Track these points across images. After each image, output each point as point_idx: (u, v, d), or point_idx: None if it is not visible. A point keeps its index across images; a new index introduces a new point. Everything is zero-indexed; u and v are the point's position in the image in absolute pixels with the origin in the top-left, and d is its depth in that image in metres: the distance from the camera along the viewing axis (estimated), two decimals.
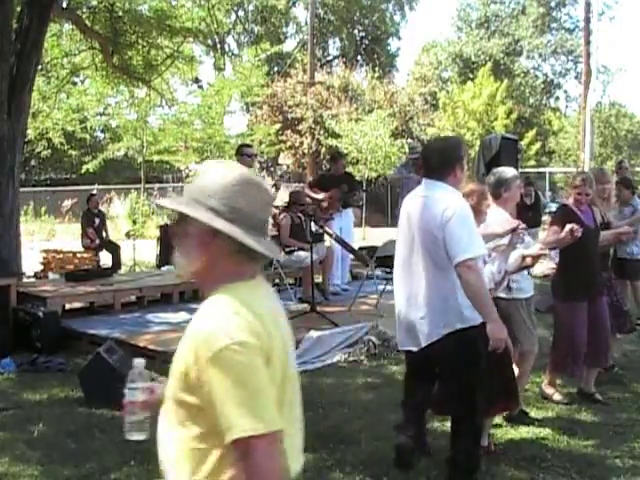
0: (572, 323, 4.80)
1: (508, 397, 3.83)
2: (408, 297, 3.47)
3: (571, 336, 4.81)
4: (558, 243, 4.56)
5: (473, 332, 3.28)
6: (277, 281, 8.52)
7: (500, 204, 4.18)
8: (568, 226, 4.40)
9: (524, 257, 3.95)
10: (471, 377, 3.35)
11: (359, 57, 35.34)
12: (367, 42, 35.98)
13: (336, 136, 20.36)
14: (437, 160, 3.39)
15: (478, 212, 3.76)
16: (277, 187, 7.47)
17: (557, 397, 4.98)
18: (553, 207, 13.04)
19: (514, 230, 3.68)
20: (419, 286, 3.38)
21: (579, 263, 4.73)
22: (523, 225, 3.70)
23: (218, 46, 30.67)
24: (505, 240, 3.79)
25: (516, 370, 4.21)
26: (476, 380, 3.34)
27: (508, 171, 4.31)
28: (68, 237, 16.44)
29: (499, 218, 4.06)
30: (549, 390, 5.03)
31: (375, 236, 14.66)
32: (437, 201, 3.31)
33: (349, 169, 12.82)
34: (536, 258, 4.01)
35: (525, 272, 4.21)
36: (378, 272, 8.98)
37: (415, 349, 3.47)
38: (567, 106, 36.22)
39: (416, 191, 3.59)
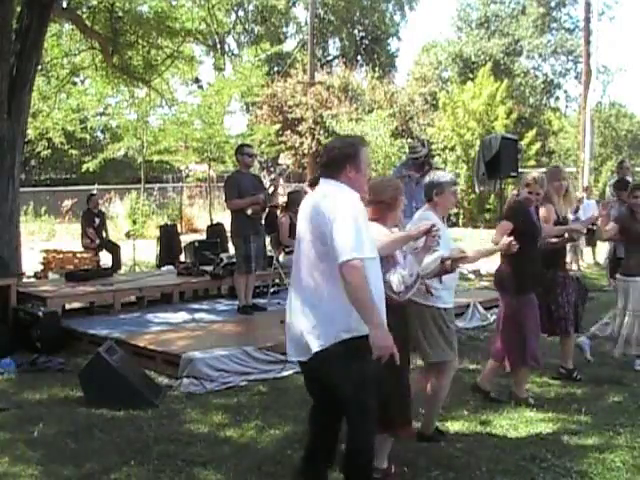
0: (525, 316, 4.80)
1: (402, 415, 3.57)
2: (294, 303, 3.20)
3: (525, 328, 4.79)
4: (498, 249, 4.54)
5: (359, 343, 2.99)
6: (277, 281, 8.52)
7: (431, 207, 4.19)
8: (507, 239, 4.40)
9: (443, 260, 3.79)
10: (357, 394, 3.06)
11: (359, 57, 35.37)
12: (367, 42, 36.00)
13: (336, 136, 20.36)
14: (327, 158, 3.22)
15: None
16: (275, 186, 7.45)
17: (530, 400, 4.91)
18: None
19: (428, 232, 3.48)
20: (305, 291, 3.14)
21: (529, 258, 4.75)
22: (437, 227, 3.53)
23: (218, 46, 30.67)
24: (420, 242, 3.61)
25: (430, 385, 4.14)
26: (364, 397, 3.07)
27: (444, 176, 4.30)
28: (68, 237, 16.45)
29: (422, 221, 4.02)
30: (521, 394, 4.94)
31: None
32: (325, 199, 3.10)
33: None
34: (456, 261, 3.84)
35: (447, 282, 4.02)
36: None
37: (304, 359, 3.18)
38: (567, 106, 36.24)
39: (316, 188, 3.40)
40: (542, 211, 5.29)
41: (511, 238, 4.40)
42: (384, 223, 3.58)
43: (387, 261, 3.46)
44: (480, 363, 5.84)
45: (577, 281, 5.93)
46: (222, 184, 10.09)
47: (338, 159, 3.16)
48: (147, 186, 18.72)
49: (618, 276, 6.14)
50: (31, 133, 12.40)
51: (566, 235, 5.38)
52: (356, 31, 36.18)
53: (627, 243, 6.10)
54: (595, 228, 8.76)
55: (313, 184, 8.58)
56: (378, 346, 2.89)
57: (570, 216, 5.86)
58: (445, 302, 4.12)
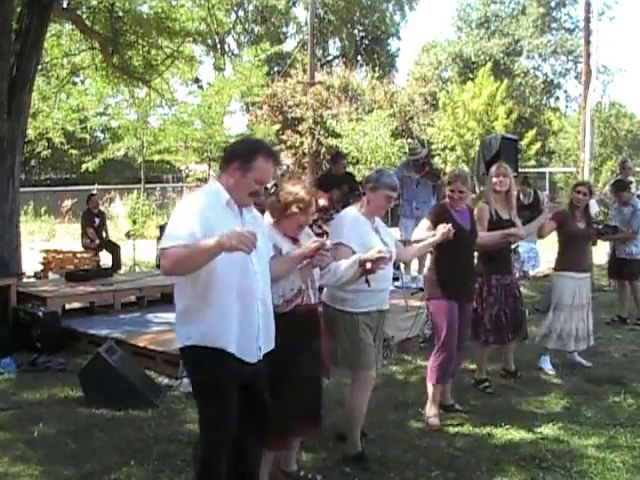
0: (445, 321, 4.49)
1: (303, 422, 3.40)
2: None
3: (444, 335, 4.48)
4: (425, 248, 4.39)
5: (196, 352, 2.83)
6: None
7: (361, 205, 4.00)
8: (441, 226, 4.22)
9: (362, 262, 3.57)
10: (197, 400, 2.94)
11: (359, 57, 35.34)
12: (367, 42, 35.98)
13: (336, 136, 20.36)
14: (224, 156, 3.03)
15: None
16: (277, 187, 7.43)
17: (457, 406, 4.70)
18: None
19: (318, 249, 3.18)
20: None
21: (452, 264, 4.48)
22: (329, 245, 3.25)
23: (218, 46, 30.70)
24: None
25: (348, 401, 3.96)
26: (201, 406, 2.90)
27: (389, 176, 4.00)
28: (68, 237, 16.46)
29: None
30: (430, 412, 4.52)
31: None
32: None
33: (349, 169, 12.81)
34: (377, 262, 3.56)
35: (367, 286, 3.73)
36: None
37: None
38: (567, 106, 36.23)
39: None
40: (475, 210, 5.07)
41: (449, 225, 4.21)
42: (279, 227, 3.39)
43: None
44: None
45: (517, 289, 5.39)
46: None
47: (227, 159, 2.94)
48: (147, 186, 18.73)
49: (553, 272, 6.00)
50: (31, 133, 12.40)
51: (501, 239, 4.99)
52: (356, 31, 36.16)
53: (562, 240, 5.87)
54: (597, 227, 8.78)
55: (314, 186, 8.61)
56: (230, 243, 2.56)
57: (516, 219, 5.37)
58: (361, 307, 3.84)
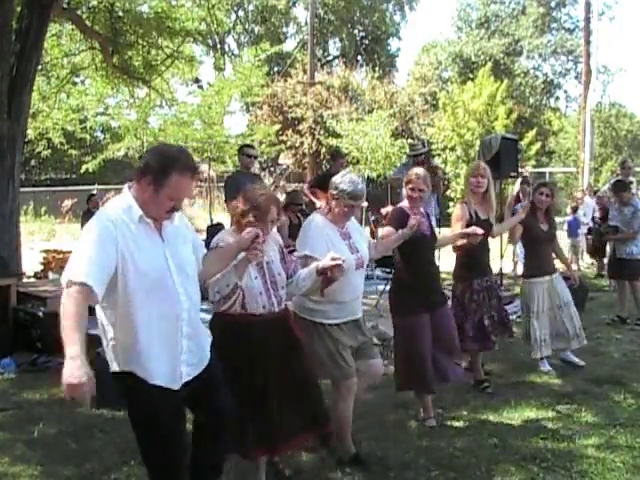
0: (413, 341, 4.26)
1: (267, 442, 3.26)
2: None
3: (412, 355, 4.28)
4: (395, 242, 4.15)
5: (123, 379, 2.67)
6: None
7: (325, 209, 3.84)
8: (411, 219, 4.07)
9: (320, 271, 3.36)
10: (139, 431, 2.72)
11: (359, 57, 35.35)
12: (367, 42, 35.99)
13: (336, 136, 20.37)
14: (139, 166, 2.75)
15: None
16: (277, 186, 7.45)
17: (431, 422, 4.47)
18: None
19: (253, 241, 2.94)
20: None
21: (414, 273, 4.29)
22: (264, 238, 3.02)
23: (218, 46, 30.72)
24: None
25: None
26: (147, 437, 2.71)
27: (353, 183, 3.72)
28: (68, 237, 16.46)
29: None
30: (427, 418, 4.49)
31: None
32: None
33: (349, 169, 12.80)
34: (333, 270, 3.32)
35: (332, 295, 3.58)
36: (378, 272, 8.98)
37: None
38: (567, 106, 36.26)
39: None
40: (455, 209, 4.98)
41: (418, 217, 4.10)
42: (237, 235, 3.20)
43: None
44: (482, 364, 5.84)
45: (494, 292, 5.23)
46: (222, 184, 10.11)
47: (140, 168, 2.66)
48: None
49: (523, 279, 5.88)
50: (31, 133, 12.40)
51: (462, 241, 4.73)
52: (356, 31, 36.18)
53: (526, 243, 5.82)
54: (598, 227, 8.78)
55: (313, 185, 8.59)
56: (64, 382, 2.32)
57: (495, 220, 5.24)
58: (331, 318, 3.72)
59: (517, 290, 9.53)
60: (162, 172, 2.56)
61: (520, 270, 11.27)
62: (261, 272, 3.26)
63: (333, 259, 3.32)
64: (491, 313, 5.07)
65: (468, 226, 4.80)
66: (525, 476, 3.72)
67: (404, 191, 4.56)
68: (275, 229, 3.46)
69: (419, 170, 4.44)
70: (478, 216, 4.96)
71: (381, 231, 4.50)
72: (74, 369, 2.33)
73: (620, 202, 7.76)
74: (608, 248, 11.52)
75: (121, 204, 2.63)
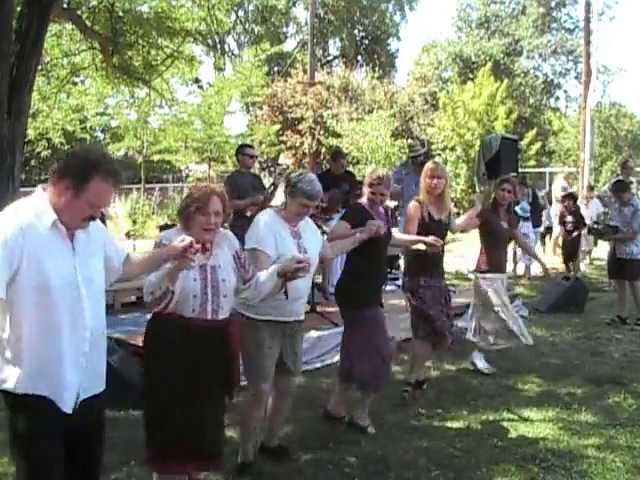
0: (365, 332, 4.21)
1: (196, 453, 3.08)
2: None
3: (366, 346, 4.19)
4: (351, 245, 4.07)
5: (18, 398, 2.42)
6: None
7: (280, 208, 3.75)
8: (370, 222, 3.97)
9: (281, 273, 3.21)
10: (20, 454, 2.48)
11: (359, 57, 35.35)
12: (367, 42, 35.99)
13: (336, 136, 20.37)
14: (56, 168, 2.52)
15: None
16: (275, 187, 7.45)
17: (370, 430, 4.32)
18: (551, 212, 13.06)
19: (185, 250, 2.75)
20: None
21: (370, 269, 4.22)
22: (198, 246, 2.81)
23: (218, 46, 30.72)
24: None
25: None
26: (15, 454, 2.50)
27: (310, 182, 3.64)
28: None
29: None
30: (360, 419, 4.34)
31: None
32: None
33: (350, 169, 12.80)
34: (295, 272, 3.20)
35: (285, 298, 3.42)
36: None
37: None
38: (567, 106, 36.23)
39: None
40: (408, 208, 4.87)
41: (378, 222, 4.03)
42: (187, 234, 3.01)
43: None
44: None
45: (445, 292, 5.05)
46: (222, 184, 10.11)
47: (58, 170, 2.45)
48: (147, 186, 18.76)
49: (476, 274, 5.74)
50: (31, 133, 12.41)
51: (421, 246, 4.58)
52: (356, 31, 36.17)
53: (485, 238, 5.68)
54: (598, 227, 8.78)
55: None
56: None
57: (451, 218, 5.08)
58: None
59: (517, 290, 9.55)
60: (83, 175, 2.37)
61: (520, 270, 11.32)
62: (203, 275, 3.07)
63: (298, 262, 3.18)
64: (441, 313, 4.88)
65: (421, 226, 4.74)
66: (525, 476, 3.72)
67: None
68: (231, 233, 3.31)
69: (380, 173, 4.36)
70: (432, 216, 4.81)
71: (336, 226, 4.33)
72: None
73: (620, 202, 7.76)
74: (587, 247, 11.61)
75: (34, 207, 2.41)
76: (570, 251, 11.01)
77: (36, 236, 2.35)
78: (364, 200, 4.38)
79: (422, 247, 4.56)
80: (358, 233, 4.05)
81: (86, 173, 2.38)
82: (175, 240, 2.85)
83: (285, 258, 3.33)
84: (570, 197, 11.24)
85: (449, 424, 4.50)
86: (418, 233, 4.73)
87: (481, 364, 5.69)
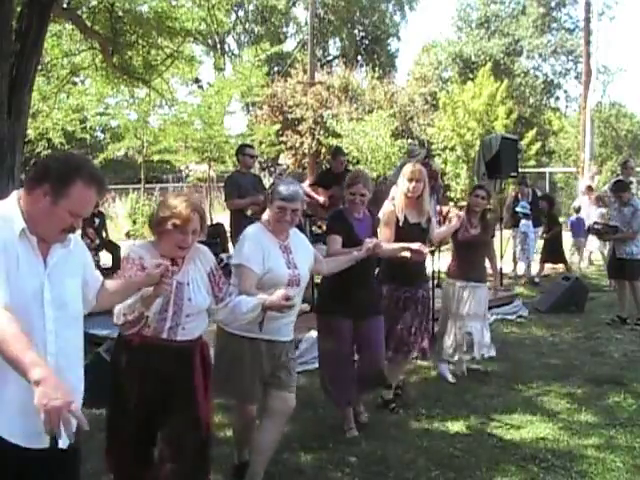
0: (334, 344, 4.10)
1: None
2: None
3: (332, 357, 4.13)
4: (348, 263, 3.88)
5: None
6: None
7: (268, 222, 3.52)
8: (367, 241, 3.83)
9: (265, 308, 3.03)
10: None
11: (359, 57, 35.35)
12: (367, 42, 35.99)
13: (336, 136, 20.37)
14: (31, 173, 2.33)
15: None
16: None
17: (353, 433, 4.26)
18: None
19: (162, 275, 2.60)
20: None
21: (349, 278, 3.97)
22: (174, 268, 2.71)
23: (218, 46, 30.71)
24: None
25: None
26: None
27: (287, 184, 3.51)
28: None
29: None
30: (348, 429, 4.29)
31: None
32: None
33: (350, 168, 12.78)
34: (280, 309, 3.05)
35: (259, 331, 3.24)
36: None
37: None
38: (567, 106, 36.25)
39: None
40: (383, 213, 4.66)
41: (374, 240, 3.86)
42: (156, 246, 2.94)
43: None
44: (480, 363, 5.85)
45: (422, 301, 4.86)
46: (222, 184, 10.11)
47: (35, 174, 2.23)
48: (147, 186, 18.76)
49: (446, 280, 5.62)
50: (31, 133, 12.41)
51: (406, 254, 4.35)
52: (356, 31, 36.17)
53: (455, 244, 5.56)
54: (598, 227, 8.79)
55: (314, 183, 8.59)
56: (42, 411, 1.81)
57: (431, 223, 4.90)
58: (250, 330, 3.33)
59: (517, 290, 9.55)
60: (64, 180, 2.12)
61: (520, 270, 11.32)
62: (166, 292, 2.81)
63: (286, 299, 2.99)
64: (411, 323, 4.71)
65: (397, 231, 4.56)
66: (525, 476, 3.72)
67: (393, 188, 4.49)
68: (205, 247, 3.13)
69: (359, 172, 4.21)
70: (407, 220, 4.63)
71: (328, 242, 4.12)
72: (50, 390, 1.81)
73: (620, 202, 7.76)
74: (603, 248, 11.59)
75: (2, 212, 2.16)
76: (549, 251, 10.97)
77: (3, 244, 2.06)
78: (344, 205, 4.25)
79: (407, 254, 4.34)
80: (355, 252, 3.87)
81: (67, 177, 2.12)
82: (147, 261, 2.71)
83: (275, 293, 3.04)
84: (545, 198, 11.20)
85: (449, 424, 4.50)
86: (395, 238, 4.55)
87: (446, 373, 5.55)
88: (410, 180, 4.60)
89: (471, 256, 5.50)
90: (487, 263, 5.81)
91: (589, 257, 12.95)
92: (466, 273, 5.45)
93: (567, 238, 13.16)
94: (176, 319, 2.88)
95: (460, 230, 5.38)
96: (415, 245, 4.30)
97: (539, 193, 12.91)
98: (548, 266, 11.41)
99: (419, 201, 4.66)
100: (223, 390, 3.53)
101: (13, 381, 2.01)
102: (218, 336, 3.54)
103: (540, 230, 11.72)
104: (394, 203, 4.69)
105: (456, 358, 5.58)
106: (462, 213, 5.17)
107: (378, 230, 4.45)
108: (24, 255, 2.10)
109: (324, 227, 7.73)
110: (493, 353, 5.61)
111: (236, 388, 3.46)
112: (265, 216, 3.57)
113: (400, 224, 4.59)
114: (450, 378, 5.51)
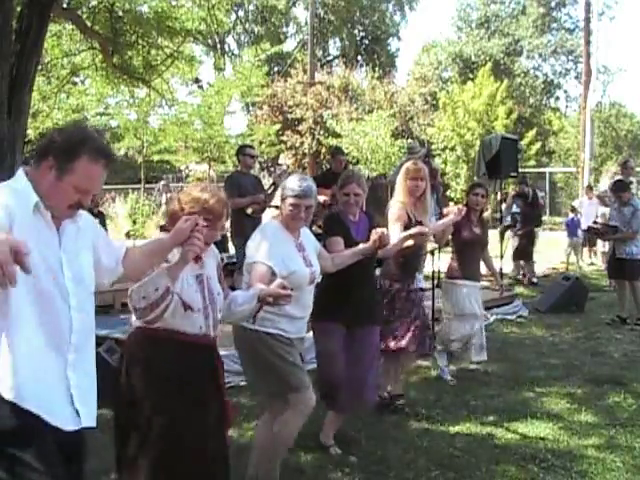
0: (327, 346, 3.89)
1: None
2: None
3: (327, 362, 3.91)
4: (353, 258, 3.75)
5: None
6: None
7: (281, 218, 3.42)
8: (373, 232, 3.68)
9: (263, 298, 2.89)
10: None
11: (359, 57, 35.35)
12: (367, 42, 36.00)
13: (336, 136, 20.39)
14: (39, 146, 2.19)
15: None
16: (276, 187, 7.45)
17: (332, 450, 4.03)
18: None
19: (192, 230, 2.42)
20: None
21: (345, 281, 3.84)
22: (203, 230, 2.48)
23: (218, 46, 30.70)
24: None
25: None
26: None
27: (296, 181, 3.39)
28: None
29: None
30: (325, 438, 4.10)
31: None
32: None
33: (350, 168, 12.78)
34: (277, 300, 2.91)
35: (288, 309, 3.20)
36: (378, 272, 8.96)
37: None
38: (567, 106, 36.29)
39: None
40: (392, 209, 4.55)
41: (376, 237, 3.67)
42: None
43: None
44: (480, 364, 5.85)
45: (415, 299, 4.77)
46: (222, 184, 10.12)
47: (41, 147, 2.10)
48: (147, 186, 18.75)
49: (445, 280, 5.58)
50: (31, 133, 12.40)
51: (410, 242, 4.33)
52: (356, 31, 36.18)
53: (456, 245, 5.50)
54: (597, 227, 8.79)
55: (315, 182, 8.61)
56: None
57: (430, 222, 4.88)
58: (283, 330, 3.33)
59: (517, 290, 9.56)
60: (68, 153, 2.02)
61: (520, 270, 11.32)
62: (201, 286, 2.74)
63: (284, 288, 2.85)
64: (421, 319, 4.70)
65: (407, 227, 4.43)
66: (525, 476, 3.72)
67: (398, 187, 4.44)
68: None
69: (352, 172, 4.07)
70: (415, 218, 4.58)
71: (329, 244, 3.90)
72: None
73: (620, 202, 7.76)
74: (604, 248, 11.58)
75: (12, 187, 2.04)
76: (520, 249, 10.92)
77: (20, 219, 1.95)
78: (339, 207, 4.12)
79: (410, 243, 4.28)
80: (361, 245, 3.76)
81: (72, 150, 2.02)
82: (170, 256, 2.50)
83: (274, 283, 2.93)
84: (522, 196, 11.13)
85: (449, 424, 4.49)
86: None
87: (446, 375, 5.53)
88: (413, 179, 4.55)
89: (473, 255, 5.48)
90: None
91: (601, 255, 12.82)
92: (467, 272, 5.41)
93: (563, 238, 13.20)
94: (215, 315, 2.78)
95: (464, 229, 5.36)
96: (414, 229, 4.24)
97: (540, 193, 12.92)
98: (548, 266, 11.42)
99: (421, 199, 4.62)
100: (273, 387, 3.41)
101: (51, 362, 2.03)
102: (240, 338, 3.44)
103: (540, 229, 11.74)
104: (403, 201, 4.59)
105: (457, 357, 5.58)
106: (462, 207, 5.13)
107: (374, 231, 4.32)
108: (38, 230, 2.02)
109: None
110: (484, 357, 5.55)
111: (289, 382, 3.32)
112: (278, 202, 3.46)
113: (412, 222, 4.49)
114: (450, 380, 5.50)
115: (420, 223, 4.53)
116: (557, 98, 35.94)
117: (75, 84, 15.06)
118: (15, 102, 7.72)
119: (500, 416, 4.63)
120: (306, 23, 30.17)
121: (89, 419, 2.17)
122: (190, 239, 2.40)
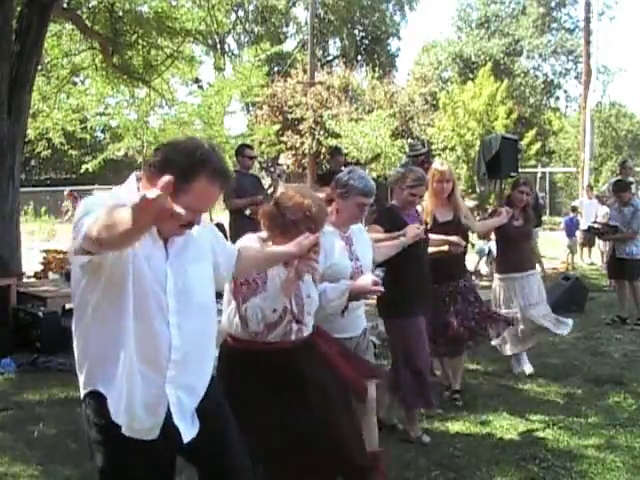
0: (411, 342, 3.98)
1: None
2: None
3: (413, 358, 3.99)
4: (395, 249, 3.78)
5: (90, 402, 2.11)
6: None
7: (332, 214, 3.29)
8: (412, 226, 3.79)
9: (354, 293, 2.96)
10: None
11: (359, 57, 35.37)
12: (367, 42, 36.01)
13: (336, 136, 20.38)
14: (155, 158, 2.08)
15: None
16: (275, 187, 7.46)
17: (425, 439, 4.16)
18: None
19: (311, 248, 2.42)
20: None
21: (410, 273, 3.91)
22: (317, 247, 2.47)
23: (218, 46, 30.73)
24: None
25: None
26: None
27: (361, 179, 3.35)
28: (68, 237, 16.45)
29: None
30: (411, 431, 4.21)
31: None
32: None
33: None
34: (367, 294, 2.99)
35: (341, 317, 3.15)
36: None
37: None
38: (567, 106, 36.31)
39: None
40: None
41: (417, 225, 3.83)
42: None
43: (247, 287, 2.60)
44: (480, 363, 5.85)
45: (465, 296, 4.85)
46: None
47: (159, 161, 1.98)
48: None
49: (498, 276, 5.68)
50: (31, 133, 12.41)
51: (445, 247, 4.45)
52: (356, 31, 36.20)
53: (498, 239, 5.66)
54: (597, 227, 8.78)
55: (317, 182, 8.62)
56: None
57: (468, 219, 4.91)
58: (337, 331, 3.22)
59: None
60: (187, 174, 1.92)
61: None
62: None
63: (375, 284, 2.90)
64: (456, 317, 4.70)
65: (426, 232, 4.40)
66: (525, 476, 3.72)
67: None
68: None
69: (420, 173, 4.13)
70: (436, 219, 4.66)
71: (371, 231, 3.95)
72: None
73: (620, 202, 7.76)
74: (604, 248, 11.56)
75: (128, 194, 1.94)
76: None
77: None
78: (395, 202, 4.19)
79: (445, 248, 4.43)
80: (403, 237, 3.76)
81: (191, 172, 1.93)
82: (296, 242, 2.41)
83: (362, 278, 2.98)
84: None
85: (449, 424, 4.49)
86: None
87: (521, 367, 5.59)
88: (440, 181, 4.63)
89: (515, 248, 5.57)
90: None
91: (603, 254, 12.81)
92: (513, 265, 5.53)
93: (563, 238, 13.19)
94: (302, 319, 2.69)
95: (509, 224, 5.42)
96: (454, 238, 4.40)
97: (540, 194, 12.91)
98: (548, 266, 11.39)
99: (451, 199, 4.71)
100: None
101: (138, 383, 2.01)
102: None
103: (539, 229, 11.71)
104: (422, 205, 4.63)
105: (527, 346, 5.60)
106: (509, 209, 5.27)
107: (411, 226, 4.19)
108: (147, 242, 1.95)
109: None
110: (565, 331, 5.57)
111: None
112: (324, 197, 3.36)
113: (429, 225, 4.52)
114: (530, 369, 5.51)
115: (446, 224, 4.62)
116: (557, 98, 35.98)
117: (75, 84, 15.06)
118: (15, 102, 7.73)
119: (500, 416, 4.63)
120: (306, 23, 30.18)
121: (188, 435, 2.12)
122: (308, 258, 2.40)
